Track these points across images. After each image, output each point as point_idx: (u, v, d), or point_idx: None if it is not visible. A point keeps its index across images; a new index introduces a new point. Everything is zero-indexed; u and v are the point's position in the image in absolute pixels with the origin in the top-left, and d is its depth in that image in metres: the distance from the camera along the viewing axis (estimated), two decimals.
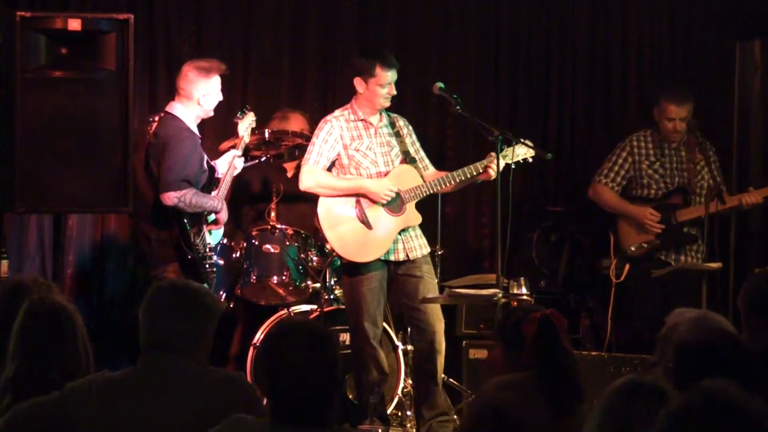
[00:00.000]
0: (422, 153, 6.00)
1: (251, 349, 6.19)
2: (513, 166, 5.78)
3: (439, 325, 5.82)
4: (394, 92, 5.81)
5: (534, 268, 6.99)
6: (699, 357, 2.79)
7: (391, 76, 5.76)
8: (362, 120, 5.86)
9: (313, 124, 6.88)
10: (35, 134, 4.54)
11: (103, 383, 3.09)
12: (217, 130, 7.03)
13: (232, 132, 6.52)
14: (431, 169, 5.98)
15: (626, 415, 2.33)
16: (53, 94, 4.58)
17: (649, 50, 7.60)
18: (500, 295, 5.42)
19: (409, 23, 7.41)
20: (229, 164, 6.00)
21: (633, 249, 6.53)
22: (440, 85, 5.82)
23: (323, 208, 5.79)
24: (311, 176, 5.79)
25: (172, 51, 7.01)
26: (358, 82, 5.80)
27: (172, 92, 7.13)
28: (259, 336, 6.17)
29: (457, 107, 5.78)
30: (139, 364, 3.16)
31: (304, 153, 6.49)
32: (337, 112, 5.90)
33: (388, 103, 5.82)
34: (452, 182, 5.81)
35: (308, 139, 6.37)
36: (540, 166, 6.88)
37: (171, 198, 5.62)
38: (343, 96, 7.29)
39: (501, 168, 5.63)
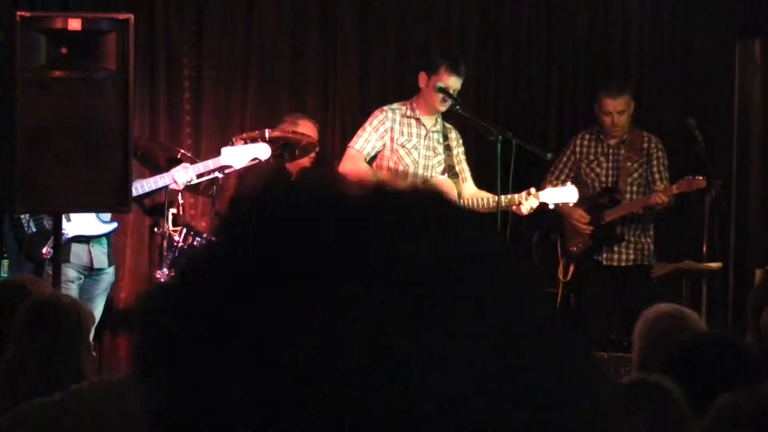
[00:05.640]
0: (464, 165, 5.98)
1: None
2: (551, 206, 5.84)
3: None
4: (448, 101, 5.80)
5: None
6: (696, 359, 2.78)
7: (452, 81, 5.75)
8: (417, 119, 5.86)
9: (320, 130, 6.86)
10: (35, 134, 4.53)
11: (106, 387, 3.10)
12: (215, 129, 7.04)
13: (229, 132, 6.52)
14: (470, 182, 5.97)
15: (630, 414, 2.33)
16: (53, 94, 4.57)
17: (649, 50, 7.60)
18: None
19: (409, 23, 7.41)
20: None
21: (574, 249, 6.54)
22: (440, 84, 5.81)
23: None
24: (354, 163, 5.79)
25: (172, 51, 7.01)
26: (421, 77, 5.82)
27: (172, 92, 7.13)
28: None
29: (457, 107, 5.78)
30: None
31: (305, 154, 6.48)
32: (395, 105, 5.90)
33: (443, 108, 5.81)
34: (483, 206, 5.82)
35: (310, 140, 6.36)
36: (541, 167, 6.87)
37: None
38: (344, 96, 7.30)
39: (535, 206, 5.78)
